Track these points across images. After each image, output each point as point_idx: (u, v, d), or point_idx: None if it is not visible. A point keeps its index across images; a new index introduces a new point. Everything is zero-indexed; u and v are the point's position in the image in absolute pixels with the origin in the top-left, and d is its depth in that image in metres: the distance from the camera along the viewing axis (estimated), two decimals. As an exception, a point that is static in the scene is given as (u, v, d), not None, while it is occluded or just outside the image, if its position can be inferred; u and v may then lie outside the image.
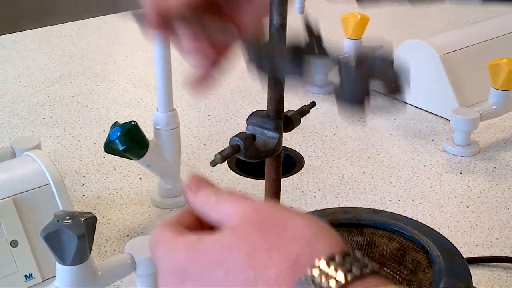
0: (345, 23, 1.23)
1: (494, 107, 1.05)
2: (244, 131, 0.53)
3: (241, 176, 0.95)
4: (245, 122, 0.54)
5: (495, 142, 1.06)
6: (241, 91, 1.24)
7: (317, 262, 0.34)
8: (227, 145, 1.11)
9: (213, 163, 0.50)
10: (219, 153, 0.50)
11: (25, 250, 0.67)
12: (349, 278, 0.33)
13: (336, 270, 0.34)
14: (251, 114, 0.54)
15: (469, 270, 0.51)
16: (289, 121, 0.54)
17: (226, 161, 0.97)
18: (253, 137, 0.53)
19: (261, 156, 0.53)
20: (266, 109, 0.54)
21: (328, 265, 0.34)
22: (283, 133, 0.55)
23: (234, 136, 0.52)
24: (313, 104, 0.56)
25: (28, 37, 1.56)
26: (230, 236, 0.37)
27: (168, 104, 0.83)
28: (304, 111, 0.56)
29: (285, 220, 0.37)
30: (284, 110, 0.55)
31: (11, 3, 3.28)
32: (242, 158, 0.52)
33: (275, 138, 0.53)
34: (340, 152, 1.02)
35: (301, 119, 0.56)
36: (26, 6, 3.32)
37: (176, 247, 0.38)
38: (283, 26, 0.51)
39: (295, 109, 0.56)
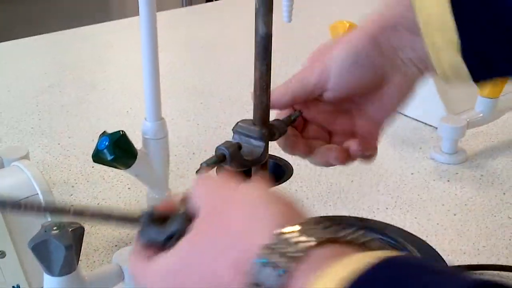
0: (334, 32, 1.23)
1: (481, 115, 1.06)
2: (230, 140, 0.54)
3: (230, 185, 0.95)
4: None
5: (482, 150, 1.07)
6: (230, 100, 1.25)
7: (255, 260, 0.36)
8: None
9: (199, 172, 0.50)
10: (205, 162, 0.50)
11: (13, 261, 0.67)
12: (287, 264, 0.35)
13: (279, 255, 0.35)
14: (237, 123, 0.55)
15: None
16: (275, 130, 0.55)
17: (215, 170, 0.98)
18: (238, 145, 0.53)
19: (247, 164, 0.54)
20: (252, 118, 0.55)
21: (270, 253, 0.36)
22: (270, 141, 0.55)
23: (220, 145, 0.52)
24: (299, 113, 0.57)
25: (17, 46, 1.56)
26: (182, 252, 0.41)
27: (156, 113, 0.83)
28: (290, 120, 0.56)
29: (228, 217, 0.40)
30: (271, 119, 0.56)
31: (1, 12, 3.28)
32: (227, 167, 0.52)
33: (260, 146, 0.53)
34: (328, 161, 1.02)
35: (287, 128, 0.56)
36: (16, 15, 3.32)
37: (151, 274, 0.42)
38: (268, 35, 0.51)
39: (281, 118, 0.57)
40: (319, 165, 0.58)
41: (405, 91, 0.56)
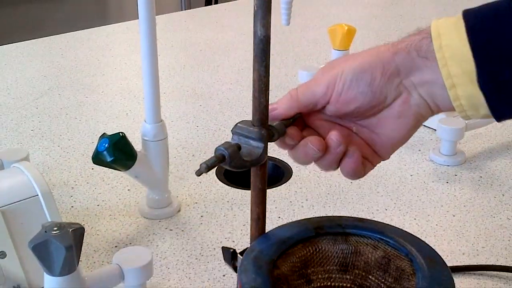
0: (332, 35, 1.24)
1: (480, 117, 1.06)
2: (229, 141, 0.54)
3: (229, 187, 0.95)
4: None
5: (481, 151, 1.08)
6: (229, 102, 1.25)
7: None
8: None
9: (198, 173, 0.51)
10: (204, 162, 0.51)
11: (13, 261, 0.67)
12: None
13: None
14: (236, 124, 0.55)
15: (452, 278, 0.51)
16: (274, 131, 0.55)
17: (214, 172, 0.98)
18: (238, 146, 0.53)
19: (246, 165, 0.54)
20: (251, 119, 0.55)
21: None
22: (269, 142, 0.55)
23: (219, 145, 0.52)
24: (299, 115, 0.57)
25: (17, 49, 1.56)
26: None
27: (156, 115, 0.84)
28: (289, 121, 0.57)
29: None
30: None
31: (1, 15, 3.29)
32: (227, 167, 0.53)
33: (259, 147, 0.54)
34: (327, 162, 1.02)
35: (287, 129, 0.57)
36: (15, 19, 3.32)
37: None
38: (267, 37, 0.51)
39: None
40: (299, 161, 0.58)
41: (404, 122, 0.55)
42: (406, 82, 0.54)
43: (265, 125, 0.54)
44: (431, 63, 0.51)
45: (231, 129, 0.55)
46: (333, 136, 0.55)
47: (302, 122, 0.58)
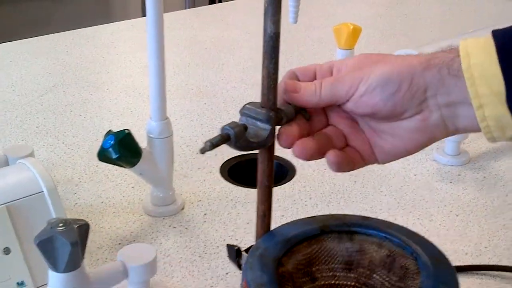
0: (338, 34, 1.23)
1: (484, 117, 1.06)
2: (236, 121, 0.53)
3: (234, 185, 0.96)
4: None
5: (485, 152, 1.08)
6: (234, 100, 1.25)
7: None
8: (219, 154, 1.12)
9: (203, 150, 0.50)
10: (209, 140, 0.50)
11: (18, 257, 0.68)
12: None
13: None
14: (244, 105, 0.54)
15: (457, 277, 0.51)
16: (282, 115, 0.54)
17: (218, 170, 0.98)
18: (244, 127, 0.53)
19: (252, 146, 0.53)
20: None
21: None
22: (277, 126, 0.54)
23: (226, 125, 0.52)
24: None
25: (22, 47, 1.56)
26: None
27: (161, 113, 0.84)
28: (299, 108, 0.56)
29: None
30: None
31: (5, 13, 3.29)
32: (232, 147, 0.52)
33: (266, 129, 0.53)
34: (331, 161, 1.02)
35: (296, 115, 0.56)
36: (20, 16, 3.33)
37: None
38: (277, 34, 0.51)
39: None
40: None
41: (415, 138, 0.54)
42: (431, 101, 0.52)
43: (274, 107, 0.54)
44: (461, 83, 0.50)
45: (235, 109, 0.54)
46: (331, 157, 0.54)
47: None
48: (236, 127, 0.52)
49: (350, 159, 0.56)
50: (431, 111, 0.53)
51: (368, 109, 0.54)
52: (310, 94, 0.55)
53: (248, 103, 0.54)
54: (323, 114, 0.58)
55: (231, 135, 0.51)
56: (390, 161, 0.57)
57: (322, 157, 0.55)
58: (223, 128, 0.52)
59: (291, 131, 0.55)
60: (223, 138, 0.51)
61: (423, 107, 0.53)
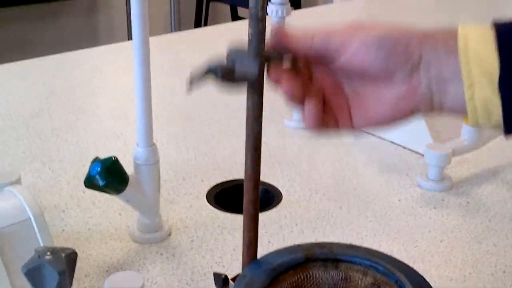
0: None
1: (466, 142, 1.08)
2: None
3: (220, 211, 0.96)
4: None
5: (468, 177, 1.09)
6: (219, 125, 1.26)
7: None
8: (205, 179, 1.11)
9: (191, 80, 0.52)
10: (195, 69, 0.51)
11: (4, 285, 0.67)
12: None
13: None
14: (229, 50, 0.54)
15: (441, 305, 0.52)
16: (271, 55, 0.54)
17: (205, 196, 0.99)
18: (231, 68, 0.53)
19: (240, 77, 0.53)
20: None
21: None
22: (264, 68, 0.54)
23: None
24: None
25: (7, 70, 1.57)
26: None
27: (148, 139, 0.84)
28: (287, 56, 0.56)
29: None
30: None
31: (-10, 35, 3.29)
32: (219, 79, 0.53)
33: (256, 63, 0.53)
34: (317, 187, 1.03)
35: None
36: (5, 40, 3.33)
37: None
38: (263, 17, 0.52)
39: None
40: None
41: (399, 105, 0.54)
42: (423, 72, 0.52)
43: (260, 54, 0.53)
44: (455, 61, 0.51)
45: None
46: (311, 106, 0.55)
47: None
48: (222, 63, 0.53)
49: (326, 119, 0.56)
50: (421, 81, 0.53)
51: (361, 66, 0.54)
52: (301, 38, 0.55)
53: (234, 48, 0.54)
54: (307, 70, 0.57)
55: (217, 69, 0.53)
56: (365, 127, 0.57)
57: (303, 103, 0.55)
58: (209, 61, 0.52)
59: (280, 67, 0.55)
60: (209, 68, 0.53)
61: (414, 75, 0.53)
